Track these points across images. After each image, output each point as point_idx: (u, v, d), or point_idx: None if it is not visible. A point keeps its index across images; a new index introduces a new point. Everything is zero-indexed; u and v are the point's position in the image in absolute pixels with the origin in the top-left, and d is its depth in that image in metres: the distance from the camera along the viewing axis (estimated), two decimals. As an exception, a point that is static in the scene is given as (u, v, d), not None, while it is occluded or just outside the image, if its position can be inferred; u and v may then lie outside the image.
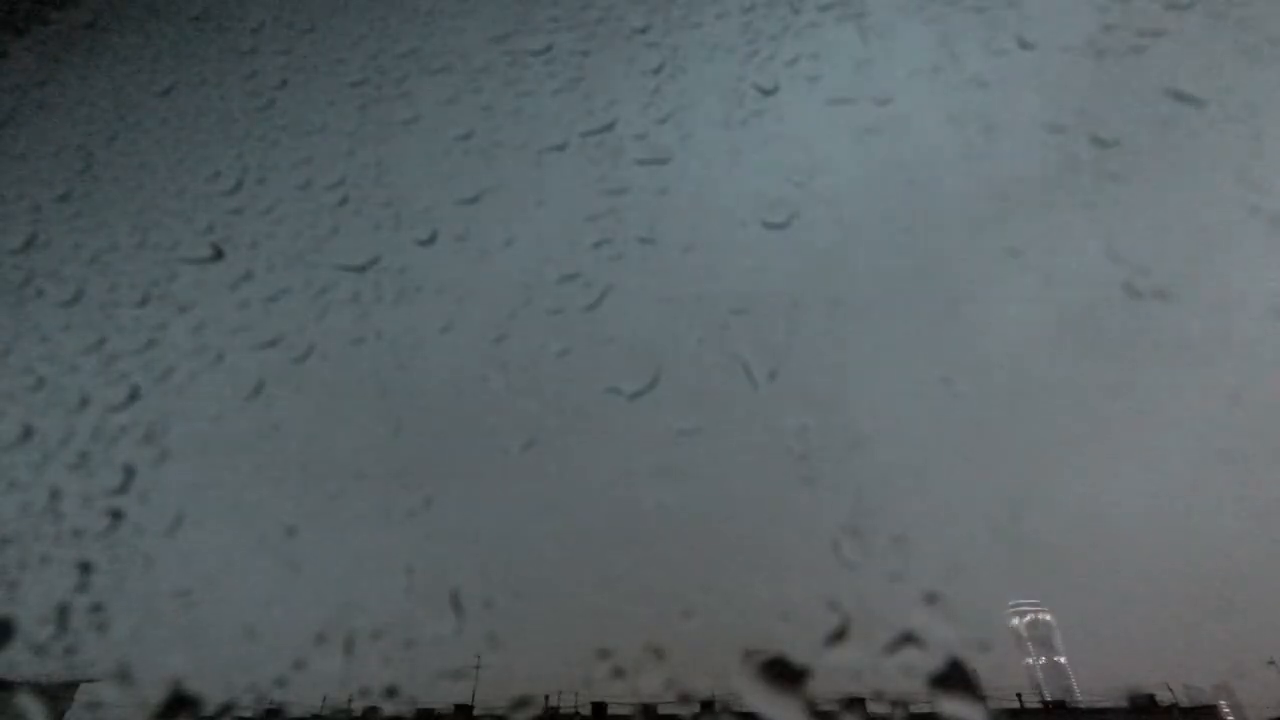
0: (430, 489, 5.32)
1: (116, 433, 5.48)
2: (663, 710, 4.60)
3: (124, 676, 4.21)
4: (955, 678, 3.74)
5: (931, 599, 4.11)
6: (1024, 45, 7.13)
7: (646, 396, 6.76)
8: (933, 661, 3.83)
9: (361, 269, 6.73)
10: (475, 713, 5.51)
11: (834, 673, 3.89)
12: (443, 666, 4.32)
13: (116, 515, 4.91)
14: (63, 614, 4.41)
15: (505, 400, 5.89)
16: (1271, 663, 5.38)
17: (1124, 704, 6.28)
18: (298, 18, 8.98)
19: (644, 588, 4.93)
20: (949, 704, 3.66)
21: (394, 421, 6.01)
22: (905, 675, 3.79)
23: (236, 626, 4.60)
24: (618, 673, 4.50)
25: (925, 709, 3.74)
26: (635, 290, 6.34)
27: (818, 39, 7.95)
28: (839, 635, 4.02)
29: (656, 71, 8.19)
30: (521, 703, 4.17)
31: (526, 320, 6.42)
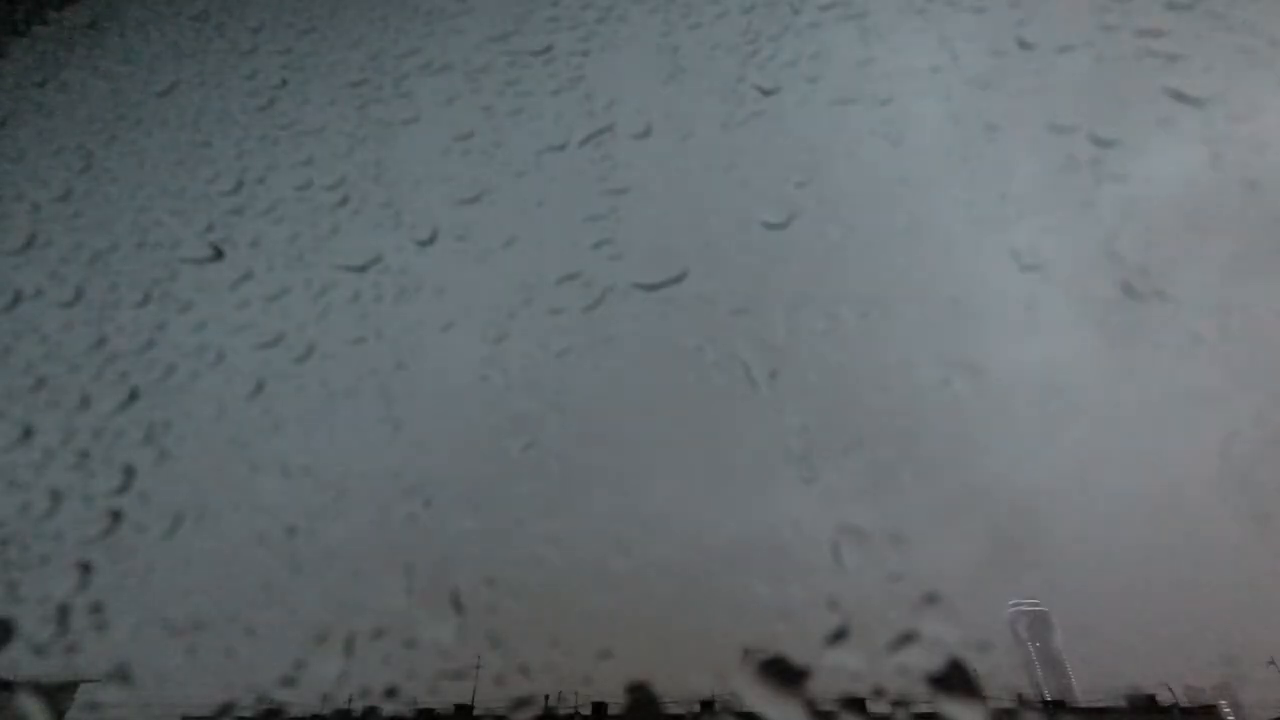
0: (430, 489, 5.33)
1: (116, 433, 5.48)
2: (662, 709, 4.61)
3: (124, 676, 4.22)
4: (955, 678, 3.74)
5: (931, 599, 4.12)
6: (1024, 45, 7.13)
7: (647, 396, 6.76)
8: (933, 661, 3.83)
9: (361, 269, 6.73)
10: (475, 713, 5.52)
11: (834, 673, 3.89)
12: (443, 666, 4.32)
13: (116, 515, 4.91)
14: (63, 614, 4.41)
15: (505, 400, 5.89)
16: (1271, 663, 5.38)
17: (1124, 704, 6.29)
18: (298, 18, 8.98)
19: (644, 588, 4.93)
20: (949, 704, 3.66)
21: (394, 421, 6.01)
22: (905, 675, 3.79)
23: (236, 626, 4.60)
24: (618, 672, 4.50)
25: (925, 709, 3.74)
26: (635, 290, 6.33)
27: (818, 39, 7.95)
28: (839, 635, 4.02)
29: (656, 72, 8.19)
30: (521, 703, 4.18)
31: (526, 320, 6.43)
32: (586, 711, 5.49)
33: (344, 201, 7.24)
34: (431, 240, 6.97)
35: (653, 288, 6.36)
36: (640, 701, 4.43)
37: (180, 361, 5.98)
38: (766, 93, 7.61)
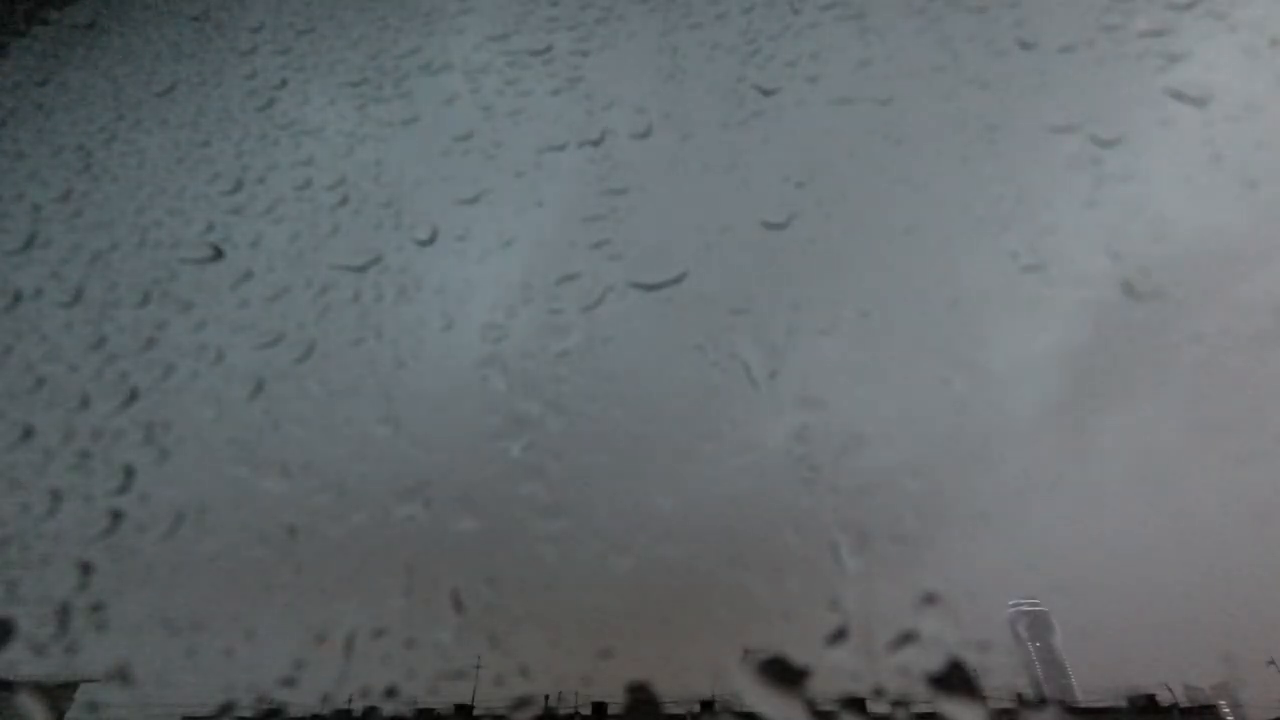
0: (430, 489, 5.32)
1: (116, 433, 5.48)
2: (662, 709, 4.60)
3: (124, 676, 4.22)
4: (955, 678, 3.75)
5: (931, 599, 4.12)
6: (1024, 45, 7.13)
7: (647, 396, 6.76)
8: (933, 661, 3.83)
9: (361, 269, 6.73)
10: (475, 713, 5.51)
11: (834, 673, 3.89)
12: (443, 666, 4.32)
13: (116, 515, 4.91)
14: (63, 614, 4.41)
15: (505, 400, 5.89)
16: (1271, 663, 5.38)
17: (1124, 704, 6.28)
18: (298, 18, 8.98)
19: (644, 588, 4.94)
20: (949, 704, 3.66)
21: (394, 421, 6.01)
22: (905, 675, 3.79)
23: (236, 626, 4.60)
24: (618, 673, 4.50)
25: (925, 709, 3.74)
26: (635, 290, 6.33)
27: (818, 39, 7.94)
28: (839, 635, 4.02)
29: (656, 72, 8.18)
30: (521, 703, 4.17)
31: (526, 320, 6.43)
32: (586, 711, 5.48)
33: (344, 201, 7.24)
34: (431, 240, 6.97)
35: (653, 288, 6.35)
36: (640, 701, 4.43)
37: (180, 361, 5.98)
38: (766, 93, 7.61)
